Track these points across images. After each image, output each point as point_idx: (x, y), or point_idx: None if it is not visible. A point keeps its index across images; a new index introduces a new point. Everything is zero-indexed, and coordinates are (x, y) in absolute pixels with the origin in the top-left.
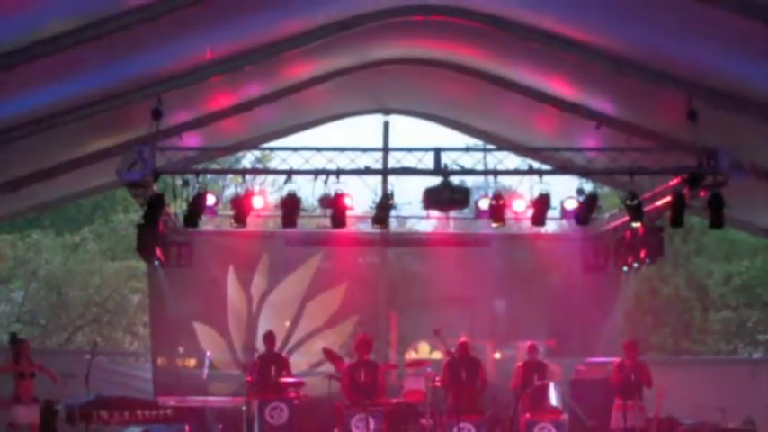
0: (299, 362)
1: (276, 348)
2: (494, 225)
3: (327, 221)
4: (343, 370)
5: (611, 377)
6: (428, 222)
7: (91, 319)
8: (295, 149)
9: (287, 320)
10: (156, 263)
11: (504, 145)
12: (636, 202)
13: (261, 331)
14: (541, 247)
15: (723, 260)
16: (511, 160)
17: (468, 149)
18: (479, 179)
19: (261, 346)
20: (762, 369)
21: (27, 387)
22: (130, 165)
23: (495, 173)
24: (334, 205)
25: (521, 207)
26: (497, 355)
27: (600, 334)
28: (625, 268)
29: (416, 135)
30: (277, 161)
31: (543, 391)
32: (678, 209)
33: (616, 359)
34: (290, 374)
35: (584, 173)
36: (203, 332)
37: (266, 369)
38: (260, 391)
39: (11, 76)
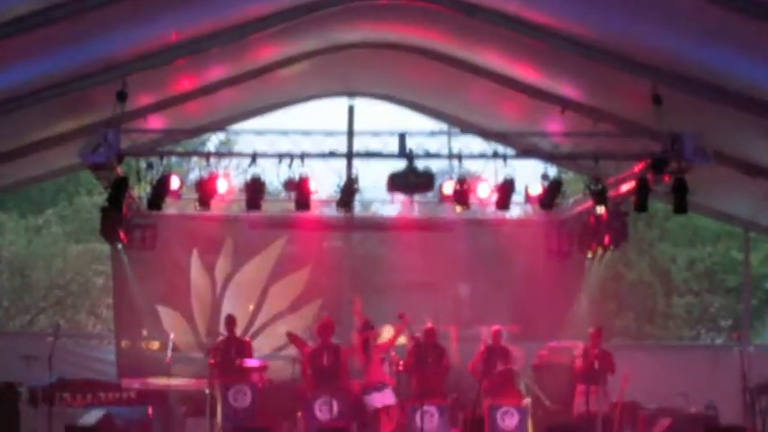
0: (262, 345)
1: (240, 332)
2: (458, 209)
3: (292, 205)
4: (306, 354)
5: (576, 364)
6: (392, 206)
7: (54, 301)
8: (260, 133)
9: (251, 304)
10: (120, 245)
11: (469, 129)
12: (600, 187)
13: (224, 315)
14: (506, 231)
15: (687, 246)
16: (476, 145)
17: (432, 133)
18: (444, 163)
19: (224, 330)
20: (724, 354)
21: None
22: (94, 147)
23: (460, 157)
24: (298, 189)
25: (485, 192)
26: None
27: (564, 319)
28: (589, 254)
29: (381, 119)
30: (242, 144)
31: (506, 376)
32: (642, 194)
33: (579, 343)
34: (251, 358)
35: (548, 157)
36: (167, 315)
37: (228, 352)
38: (223, 374)
39: None
